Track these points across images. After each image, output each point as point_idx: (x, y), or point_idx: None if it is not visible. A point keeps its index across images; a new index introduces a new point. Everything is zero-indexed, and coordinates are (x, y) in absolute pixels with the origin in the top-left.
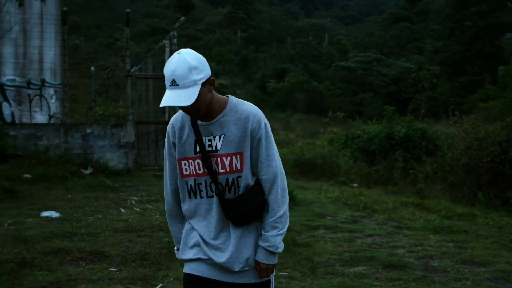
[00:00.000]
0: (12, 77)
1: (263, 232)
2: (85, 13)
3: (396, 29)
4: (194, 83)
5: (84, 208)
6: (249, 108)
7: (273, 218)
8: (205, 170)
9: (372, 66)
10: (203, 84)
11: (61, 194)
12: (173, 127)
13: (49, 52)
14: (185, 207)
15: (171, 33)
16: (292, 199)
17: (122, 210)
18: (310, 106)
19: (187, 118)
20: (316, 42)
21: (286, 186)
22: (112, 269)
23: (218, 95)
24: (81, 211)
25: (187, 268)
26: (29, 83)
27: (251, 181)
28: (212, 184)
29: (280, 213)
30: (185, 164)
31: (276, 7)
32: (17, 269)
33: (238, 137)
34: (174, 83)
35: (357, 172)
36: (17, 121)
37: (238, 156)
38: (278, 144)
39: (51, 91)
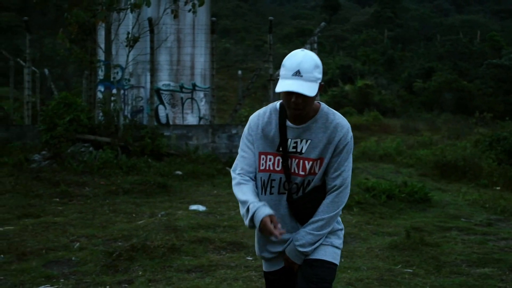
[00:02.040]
0: (167, 82)
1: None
2: (235, 18)
3: None
4: (316, 80)
5: (228, 203)
6: (339, 119)
7: (315, 218)
8: (283, 169)
9: None
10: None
11: (207, 190)
12: (258, 119)
13: (199, 59)
14: None
15: (312, 38)
16: (427, 200)
17: None
18: (459, 106)
19: (276, 116)
20: (467, 39)
21: (344, 200)
22: (248, 258)
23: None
24: (224, 205)
25: (265, 266)
26: (181, 87)
27: (319, 181)
28: (286, 183)
29: (324, 216)
30: (263, 158)
31: (425, 4)
32: (167, 253)
33: (324, 144)
34: (298, 74)
35: (500, 174)
36: (170, 123)
37: (318, 161)
38: (420, 145)
39: (201, 94)
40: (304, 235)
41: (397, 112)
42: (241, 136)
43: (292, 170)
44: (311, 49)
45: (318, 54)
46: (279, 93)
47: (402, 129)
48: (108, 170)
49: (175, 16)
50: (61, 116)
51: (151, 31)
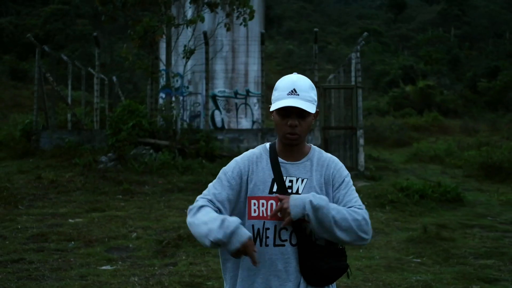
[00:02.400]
0: (222, 89)
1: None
2: (299, 19)
3: None
4: (313, 101)
5: None
6: (332, 157)
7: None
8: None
9: None
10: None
11: None
12: (247, 159)
13: (253, 67)
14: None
15: (356, 47)
16: (459, 200)
17: None
18: None
19: (266, 155)
20: None
21: (365, 216)
22: None
23: None
24: None
25: None
26: (236, 93)
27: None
28: (283, 231)
29: (359, 217)
30: (254, 204)
31: None
32: None
33: (320, 184)
34: (294, 92)
35: None
36: (226, 127)
37: None
38: (471, 146)
39: (255, 100)
40: (324, 198)
41: (459, 113)
42: None
43: None
44: (355, 58)
45: (382, 54)
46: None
47: (461, 129)
48: (166, 170)
49: (228, 29)
50: (125, 122)
51: (206, 44)
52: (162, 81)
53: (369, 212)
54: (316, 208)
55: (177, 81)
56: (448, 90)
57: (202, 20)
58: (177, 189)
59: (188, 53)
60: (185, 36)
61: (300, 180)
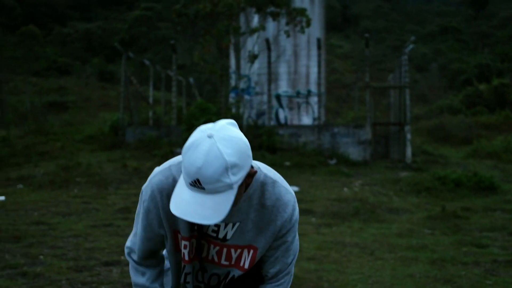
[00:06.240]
0: (285, 89)
1: None
2: (376, 18)
3: None
4: (229, 187)
5: (318, 186)
6: (280, 192)
7: None
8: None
9: None
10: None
11: (307, 177)
12: (160, 193)
13: (314, 69)
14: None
15: (404, 50)
16: (493, 189)
17: (345, 189)
18: None
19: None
20: None
21: None
22: (312, 219)
23: None
24: (314, 188)
25: None
26: (298, 93)
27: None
28: (200, 273)
29: None
30: (179, 238)
31: None
32: None
33: (257, 227)
34: (197, 184)
35: None
36: (289, 123)
37: (251, 251)
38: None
39: (315, 99)
40: None
41: None
42: (341, 134)
43: (210, 258)
44: (404, 60)
45: (459, 52)
46: None
47: None
48: None
49: (288, 36)
50: (197, 118)
51: (268, 49)
52: (233, 83)
53: (405, 197)
54: None
55: (244, 82)
56: None
57: (263, 29)
58: None
59: (252, 58)
60: (253, 42)
61: (230, 224)
